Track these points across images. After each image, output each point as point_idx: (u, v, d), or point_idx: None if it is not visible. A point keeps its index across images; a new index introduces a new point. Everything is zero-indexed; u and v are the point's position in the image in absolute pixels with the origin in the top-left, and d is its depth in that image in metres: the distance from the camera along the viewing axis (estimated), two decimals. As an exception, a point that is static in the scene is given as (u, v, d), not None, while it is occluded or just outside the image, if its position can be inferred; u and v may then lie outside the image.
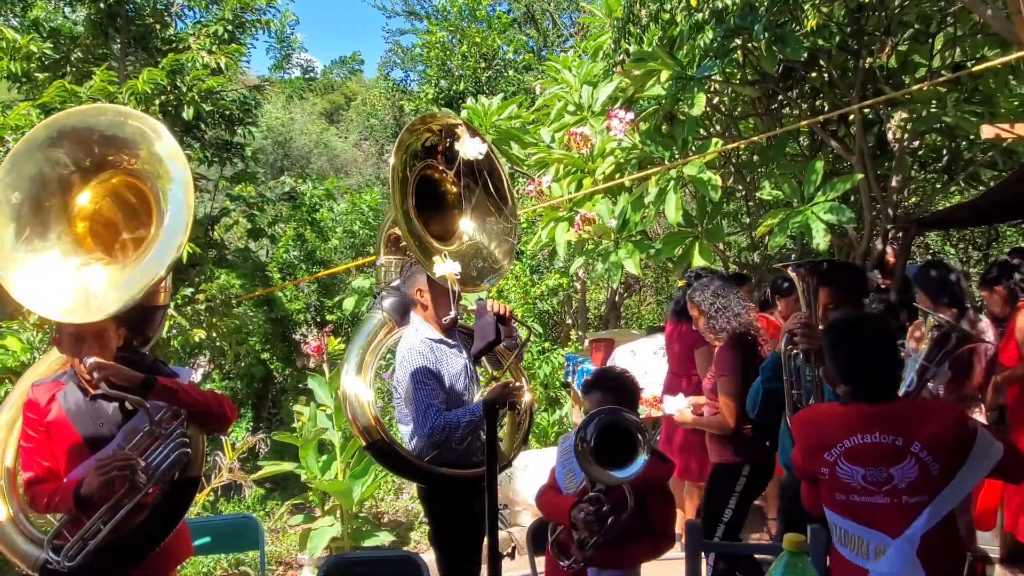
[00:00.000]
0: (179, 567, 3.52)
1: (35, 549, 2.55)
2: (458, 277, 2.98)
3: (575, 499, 2.64)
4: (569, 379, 6.96)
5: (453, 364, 3.25)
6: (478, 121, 5.76)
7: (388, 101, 17.77)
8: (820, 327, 2.77)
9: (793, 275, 2.96)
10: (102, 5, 6.18)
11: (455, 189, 3.30)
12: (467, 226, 3.34)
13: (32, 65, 5.88)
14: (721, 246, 6.49)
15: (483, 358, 3.27)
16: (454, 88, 11.24)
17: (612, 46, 4.89)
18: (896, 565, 2.18)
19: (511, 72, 11.77)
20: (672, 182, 4.47)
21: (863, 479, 2.24)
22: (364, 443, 3.29)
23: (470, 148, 3.13)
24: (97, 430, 2.55)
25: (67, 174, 2.60)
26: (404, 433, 3.31)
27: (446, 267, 2.93)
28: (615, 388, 2.76)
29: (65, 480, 2.53)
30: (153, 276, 2.43)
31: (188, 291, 5.99)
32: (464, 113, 6.34)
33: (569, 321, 10.21)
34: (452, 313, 3.19)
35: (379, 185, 15.53)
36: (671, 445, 4.92)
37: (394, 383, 3.33)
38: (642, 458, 2.39)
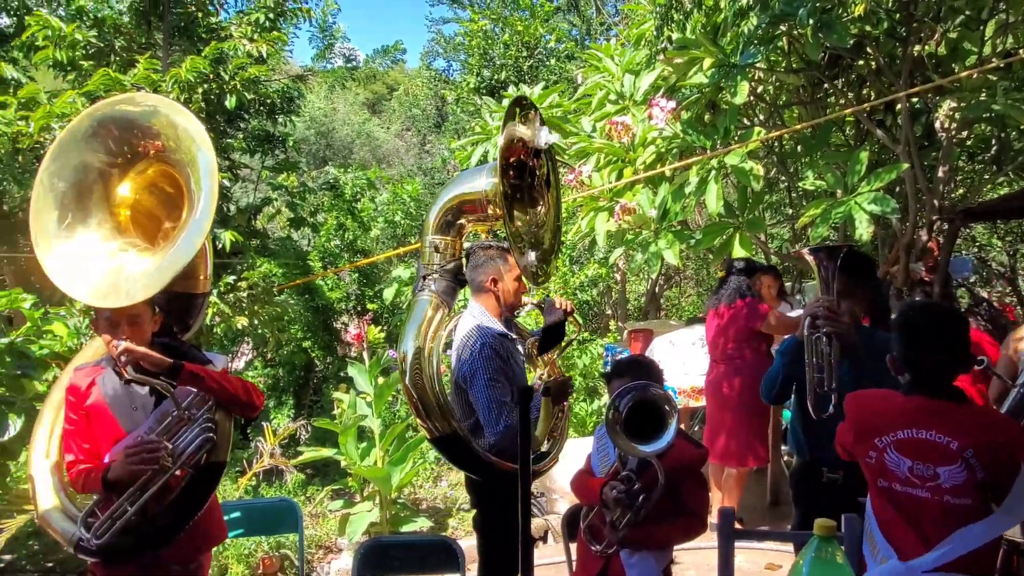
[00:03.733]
0: (216, 548, 3.59)
1: (72, 526, 2.61)
2: (534, 269, 2.95)
3: (607, 478, 2.64)
4: (607, 369, 6.94)
5: (517, 360, 3.22)
6: (518, 110, 5.73)
7: (430, 91, 17.84)
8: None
9: (811, 259, 2.90)
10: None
11: (535, 177, 3.24)
12: (533, 217, 3.29)
13: (77, 53, 5.98)
14: (762, 237, 6.39)
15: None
16: (496, 77, 11.24)
17: (655, 34, 4.82)
18: None
19: (553, 61, 11.71)
20: (713, 172, 4.41)
21: (909, 471, 2.20)
22: (429, 436, 3.14)
23: (541, 136, 3.07)
24: (131, 414, 2.59)
25: (107, 162, 2.66)
26: (465, 426, 3.20)
27: (532, 257, 2.92)
28: (634, 370, 2.76)
29: (104, 462, 2.59)
30: (180, 263, 2.46)
31: (231, 279, 6.09)
32: (505, 102, 6.33)
33: (608, 311, 10.17)
34: (528, 306, 3.18)
35: (421, 175, 15.60)
36: (717, 429, 4.90)
37: (456, 372, 3.23)
38: (670, 432, 2.39)
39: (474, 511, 3.45)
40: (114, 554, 2.51)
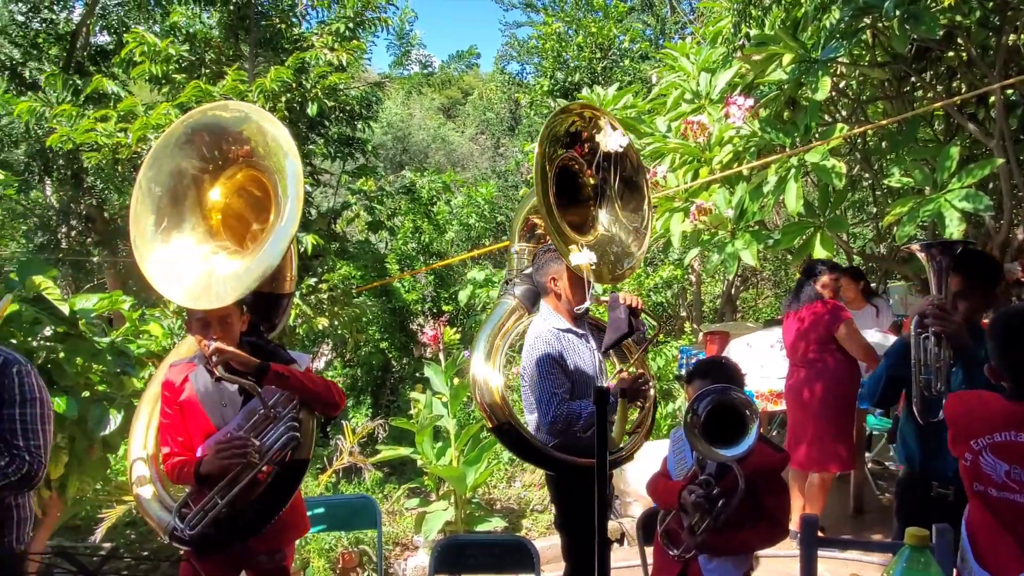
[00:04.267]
0: (298, 542, 3.71)
1: (167, 515, 2.73)
2: (593, 268, 2.99)
3: (685, 482, 2.62)
4: (682, 372, 6.86)
5: (580, 354, 3.25)
6: (592, 112, 5.72)
7: (504, 94, 17.94)
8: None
9: (922, 255, 2.78)
10: (232, 8, 6.55)
11: (593, 181, 3.29)
12: (603, 218, 3.33)
13: (171, 67, 6.29)
14: (844, 236, 6.19)
15: (611, 350, 3.28)
16: (569, 80, 11.23)
17: (732, 31, 4.74)
18: None
19: (627, 61, 11.63)
20: (793, 170, 4.30)
21: (1006, 475, 2.11)
22: (490, 425, 3.30)
23: (612, 140, 3.11)
24: (221, 410, 2.71)
25: (200, 167, 2.78)
26: (530, 422, 3.33)
27: (583, 257, 2.94)
28: (714, 373, 2.71)
29: (196, 455, 2.72)
30: (267, 267, 2.55)
31: (312, 281, 6.27)
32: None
33: (683, 313, 10.03)
34: (586, 303, 3.20)
35: (495, 178, 15.72)
36: (799, 435, 4.79)
37: (520, 371, 3.36)
38: (751, 436, 2.35)
39: (552, 511, 3.49)
40: (205, 544, 2.62)
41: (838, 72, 5.14)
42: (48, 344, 3.84)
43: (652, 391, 3.39)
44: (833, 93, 5.20)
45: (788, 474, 4.78)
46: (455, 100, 26.07)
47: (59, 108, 6.33)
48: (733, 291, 10.23)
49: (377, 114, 8.15)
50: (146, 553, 5.07)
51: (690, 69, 5.44)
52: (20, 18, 8.23)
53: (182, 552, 2.77)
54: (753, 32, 4.61)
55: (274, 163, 2.66)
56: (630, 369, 3.32)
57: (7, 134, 7.37)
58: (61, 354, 3.83)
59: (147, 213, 2.73)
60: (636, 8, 14.60)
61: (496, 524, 5.46)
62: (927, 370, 2.66)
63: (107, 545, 4.91)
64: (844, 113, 5.64)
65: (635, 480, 5.54)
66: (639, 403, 3.36)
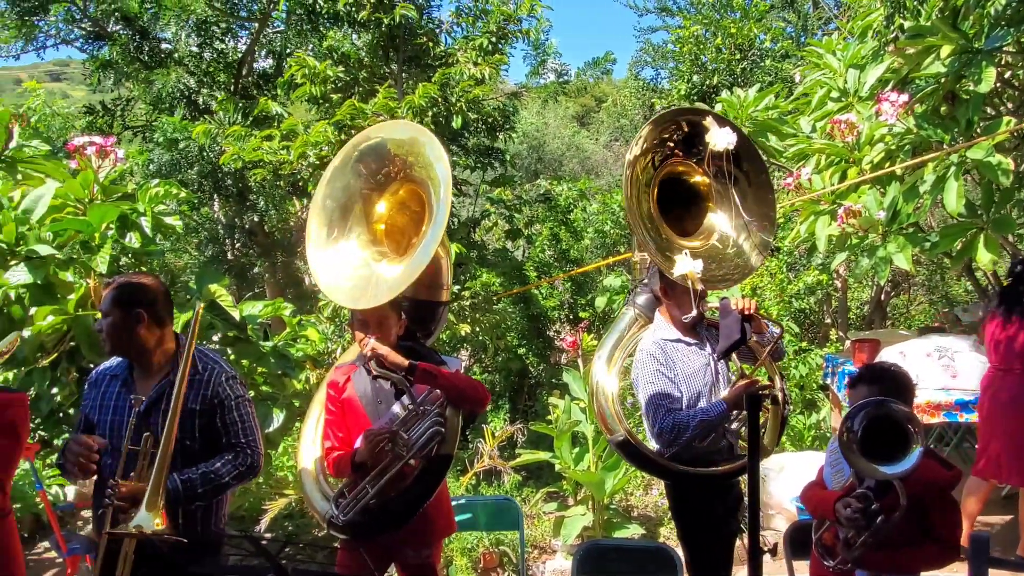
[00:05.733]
0: (444, 540, 3.86)
1: (327, 505, 2.94)
2: (699, 275, 2.93)
3: (841, 493, 2.53)
4: (828, 381, 6.56)
5: (690, 363, 3.23)
6: (733, 114, 5.61)
7: (638, 100, 17.79)
8: None
9: None
10: (383, 29, 6.92)
11: (705, 181, 3.23)
12: (717, 220, 3.26)
13: (328, 87, 6.74)
14: (1011, 238, 5.74)
15: (733, 355, 3.22)
16: (707, 82, 11.01)
17: (883, 23, 4.53)
18: None
19: (768, 61, 11.26)
20: (952, 168, 4.05)
21: None
22: (607, 435, 3.38)
23: (719, 139, 3.05)
24: (377, 407, 2.90)
25: (367, 184, 3.04)
26: (648, 431, 3.34)
27: (687, 265, 2.90)
28: (885, 382, 2.58)
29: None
30: (420, 268, 2.72)
31: (455, 288, 6.51)
32: (719, 107, 6.22)
33: (828, 320, 9.58)
34: (693, 312, 3.16)
35: (629, 185, 15.61)
36: (990, 442, 4.49)
37: (632, 382, 3.37)
38: (915, 454, 2.24)
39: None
40: (356, 531, 2.81)
41: (1003, 62, 4.79)
42: (220, 347, 4.20)
43: (779, 399, 3.27)
44: (998, 84, 4.85)
45: (966, 486, 4.50)
46: (589, 108, 26.11)
47: (230, 130, 6.92)
48: (883, 297, 9.67)
49: (515, 124, 8.33)
50: (301, 546, 5.40)
51: (836, 66, 5.23)
52: (195, 49, 9.04)
53: (340, 542, 2.98)
54: (907, 24, 4.39)
55: (427, 172, 2.86)
56: (755, 374, 3.23)
57: (184, 156, 8.12)
58: (231, 356, 4.17)
59: (320, 225, 3.03)
60: (776, 6, 14.10)
61: (634, 531, 5.44)
62: None
63: (268, 536, 5.27)
64: (1010, 105, 5.25)
65: (777, 492, 5.37)
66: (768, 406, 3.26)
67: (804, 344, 7.97)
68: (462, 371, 3.04)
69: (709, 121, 3.10)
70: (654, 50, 16.68)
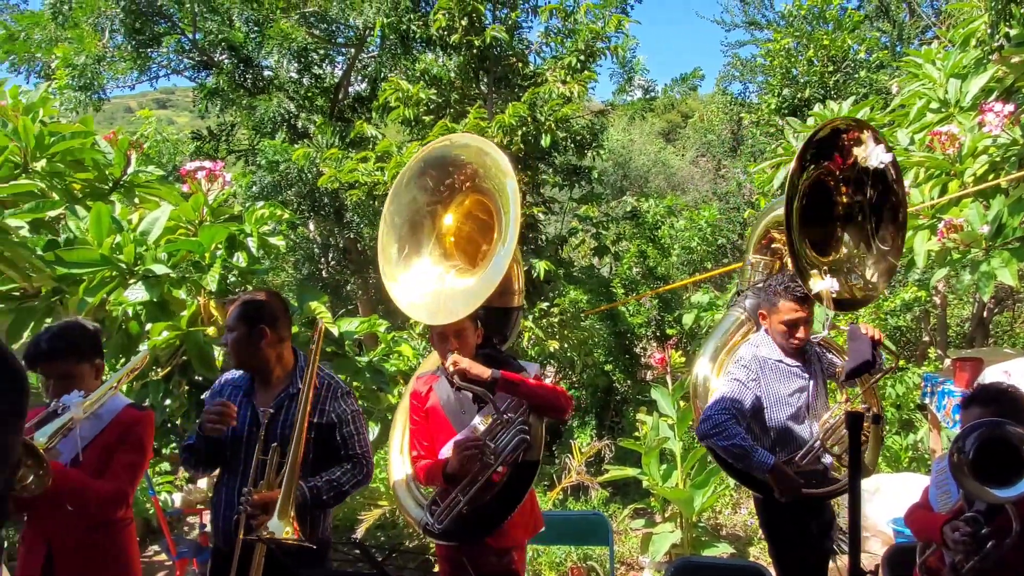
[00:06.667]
0: (530, 555, 3.91)
1: (421, 512, 3.06)
2: (834, 294, 2.83)
3: (949, 516, 2.45)
4: (926, 400, 6.31)
5: (783, 386, 3.21)
6: (825, 128, 5.50)
7: (725, 115, 17.56)
8: None
9: None
10: (474, 51, 7.11)
11: (846, 199, 3.09)
12: (848, 240, 3.13)
13: (420, 110, 6.95)
14: None
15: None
16: (798, 96, 10.80)
17: (987, 31, 4.38)
18: None
19: (862, 73, 10.95)
20: (1064, 180, 3.89)
21: None
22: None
23: (873, 156, 2.94)
24: (460, 416, 2.98)
25: (433, 197, 3.09)
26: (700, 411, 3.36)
27: (824, 284, 2.81)
28: (1000, 403, 2.50)
29: (440, 458, 3.00)
30: (492, 284, 2.76)
31: (544, 305, 6.58)
32: (811, 120, 6.11)
33: (926, 338, 9.19)
34: (823, 332, 3.13)
35: (716, 201, 15.42)
36: None
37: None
38: None
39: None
40: (451, 538, 2.90)
41: (1120, 68, 4.56)
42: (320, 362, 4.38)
43: (879, 418, 3.22)
44: (1115, 92, 4.62)
45: None
46: (675, 124, 25.87)
47: (327, 153, 7.23)
48: (985, 314, 9.21)
49: (604, 142, 8.38)
50: (414, 549, 5.54)
51: (936, 76, 5.07)
52: (294, 75, 9.49)
53: (435, 548, 3.08)
54: (1013, 32, 4.23)
55: (495, 184, 2.90)
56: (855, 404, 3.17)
57: (284, 177, 8.51)
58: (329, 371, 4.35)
59: (391, 242, 3.10)
60: (870, 16, 13.69)
61: (723, 550, 5.36)
62: None
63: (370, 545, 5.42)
64: None
65: (872, 514, 5.20)
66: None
67: (901, 363, 7.69)
68: (540, 375, 3.09)
69: (867, 135, 2.99)
70: (742, 64, 16.44)
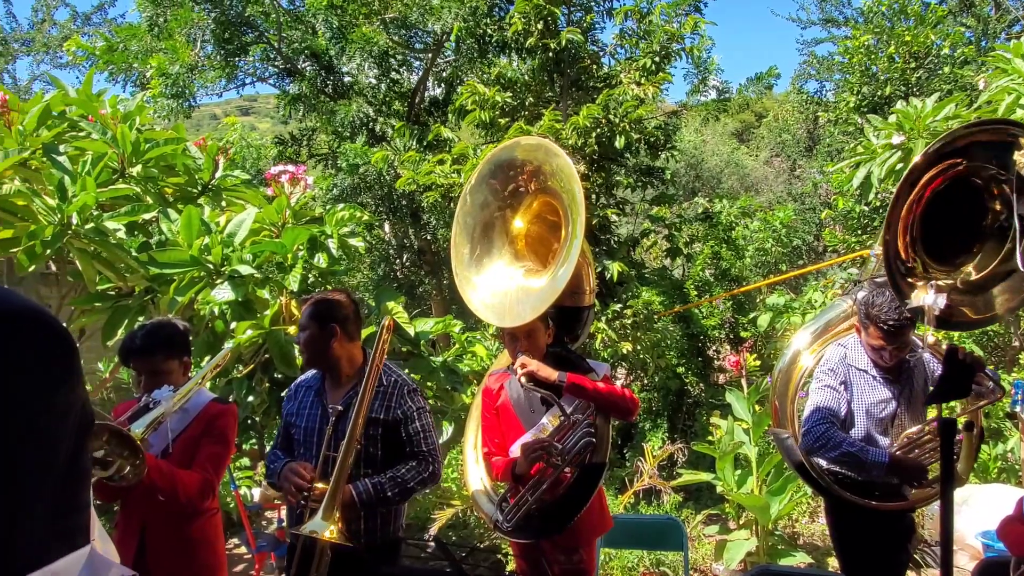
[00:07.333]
0: (603, 559, 3.90)
1: (492, 508, 3.12)
2: (937, 314, 2.47)
3: None
4: (1016, 408, 6.02)
5: (869, 395, 3.14)
6: (910, 125, 5.34)
7: (801, 115, 17.15)
8: None
9: None
10: (549, 55, 7.14)
11: (997, 207, 2.59)
12: (986, 253, 2.65)
13: (496, 113, 7.02)
14: None
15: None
16: (878, 93, 10.46)
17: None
18: None
19: (946, 69, 10.55)
20: None
21: None
22: (771, 423, 3.37)
23: None
24: (530, 416, 3.03)
25: (503, 198, 3.14)
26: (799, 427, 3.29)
27: (927, 299, 2.47)
28: None
29: (510, 455, 3.04)
30: (559, 288, 2.78)
31: (617, 307, 6.55)
32: (892, 118, 5.93)
33: (1016, 343, 8.77)
34: (919, 351, 3.05)
35: (791, 201, 15.06)
36: None
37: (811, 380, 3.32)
38: None
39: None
40: (520, 534, 2.96)
41: None
42: (395, 362, 4.47)
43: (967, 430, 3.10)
44: None
45: None
46: (748, 124, 25.39)
47: (405, 155, 7.37)
48: (1079, 317, 8.73)
49: (677, 143, 8.30)
50: (464, 554, 5.62)
51: (1027, 71, 4.87)
52: (373, 81, 9.70)
53: (509, 543, 3.12)
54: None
55: (562, 186, 2.93)
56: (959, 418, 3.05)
57: (363, 180, 8.71)
58: (406, 371, 4.44)
59: (464, 243, 3.16)
60: (953, 11, 13.17)
61: (800, 559, 5.23)
62: None
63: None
64: None
65: (960, 526, 5.00)
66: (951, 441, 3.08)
67: (991, 367, 7.35)
68: (609, 375, 3.10)
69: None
70: (818, 62, 16.03)
